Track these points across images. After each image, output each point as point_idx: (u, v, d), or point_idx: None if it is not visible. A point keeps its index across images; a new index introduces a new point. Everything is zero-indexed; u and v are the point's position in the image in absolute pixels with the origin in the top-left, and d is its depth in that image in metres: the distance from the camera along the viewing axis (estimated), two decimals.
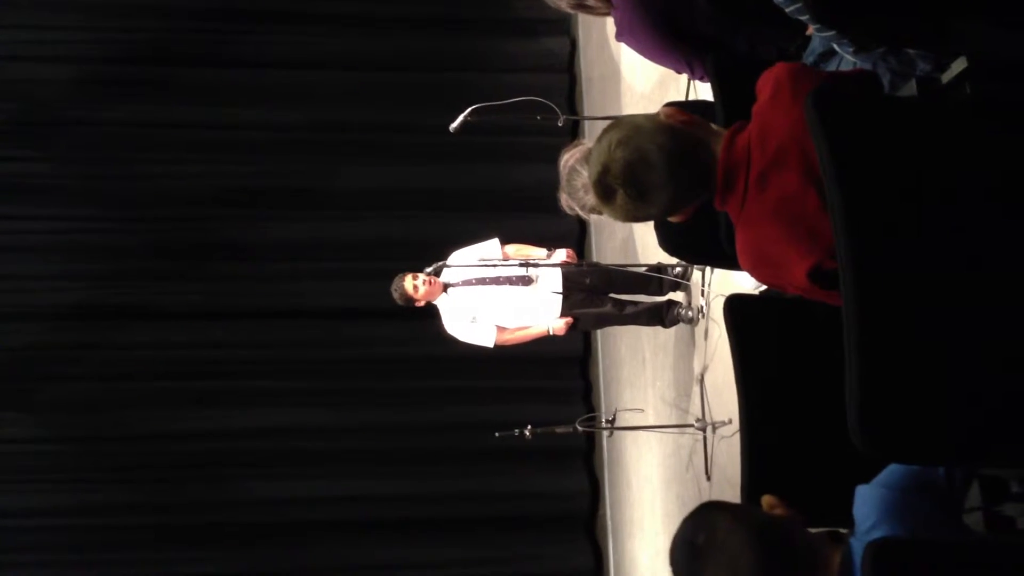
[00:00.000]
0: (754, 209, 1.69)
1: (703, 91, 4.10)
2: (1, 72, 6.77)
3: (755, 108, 1.75)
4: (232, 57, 7.09)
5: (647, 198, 1.72)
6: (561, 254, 5.06)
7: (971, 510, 1.77)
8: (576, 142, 4.00)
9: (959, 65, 1.95)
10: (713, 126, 1.79)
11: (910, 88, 2.07)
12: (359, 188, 7.00)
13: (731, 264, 2.11)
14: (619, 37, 3.00)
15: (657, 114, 1.76)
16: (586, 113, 7.07)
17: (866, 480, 1.68)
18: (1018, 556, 1.53)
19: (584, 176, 3.31)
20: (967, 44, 1.93)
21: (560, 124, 4.47)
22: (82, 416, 6.50)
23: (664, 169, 1.69)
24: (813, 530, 2.11)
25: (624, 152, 1.69)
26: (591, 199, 1.83)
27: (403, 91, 7.14)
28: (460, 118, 4.40)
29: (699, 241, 2.56)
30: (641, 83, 5.86)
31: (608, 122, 1.83)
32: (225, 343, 6.72)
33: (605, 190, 1.72)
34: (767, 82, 1.75)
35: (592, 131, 6.47)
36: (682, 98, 4.60)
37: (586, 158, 3.33)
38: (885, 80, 2.13)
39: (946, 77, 2.00)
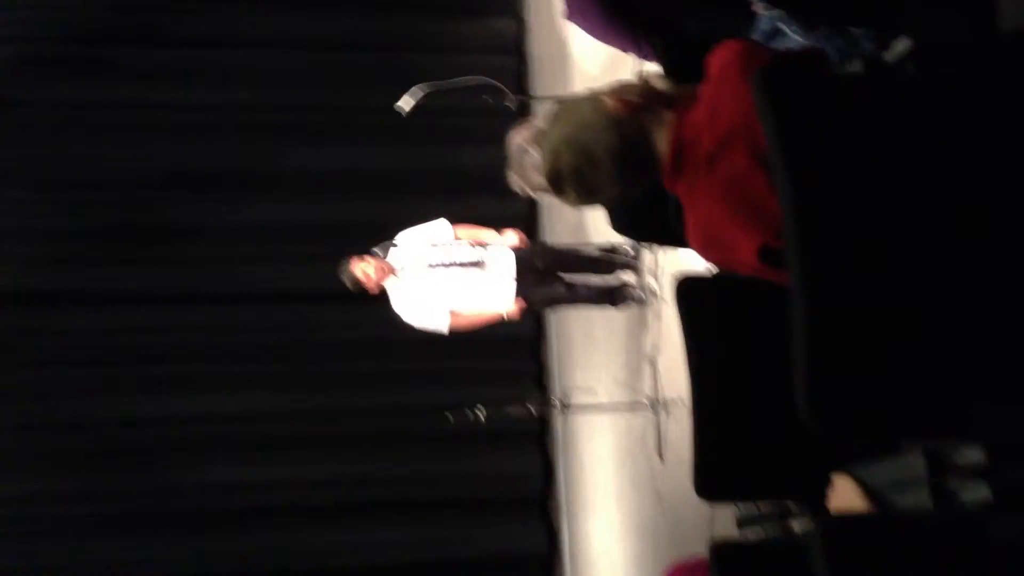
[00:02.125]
0: (703, 189, 1.69)
1: (652, 72, 4.10)
2: None
3: (704, 87, 1.75)
4: (178, 36, 6.96)
5: (596, 193, 1.78)
6: (511, 236, 5.05)
7: (917, 484, 1.80)
8: (525, 121, 3.98)
9: (902, 44, 1.97)
10: (665, 91, 1.77)
11: (855, 68, 2.08)
12: (305, 170, 6.91)
13: (682, 244, 2.11)
14: (568, 17, 2.99)
15: (603, 101, 1.74)
16: (536, 94, 7.05)
17: (815, 457, 1.70)
18: (963, 529, 1.55)
19: (534, 156, 3.29)
20: (911, 24, 1.95)
21: (510, 105, 4.46)
22: (23, 403, 6.36)
23: (611, 168, 1.73)
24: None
25: (570, 154, 1.73)
26: (540, 179, 1.82)
27: (350, 71, 7.06)
28: (412, 100, 4.36)
29: (650, 222, 2.57)
30: (591, 64, 5.85)
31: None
32: (171, 327, 6.61)
33: (556, 186, 1.79)
34: (716, 60, 1.75)
35: (542, 112, 6.45)
36: (632, 79, 4.60)
37: (536, 137, 3.32)
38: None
39: (890, 56, 2.02)
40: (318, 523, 6.52)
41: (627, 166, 1.73)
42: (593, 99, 1.77)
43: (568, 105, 1.80)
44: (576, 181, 1.74)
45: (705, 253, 1.77)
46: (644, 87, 1.76)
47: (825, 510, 1.96)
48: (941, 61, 1.83)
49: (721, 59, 1.74)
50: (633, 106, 1.73)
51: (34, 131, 6.67)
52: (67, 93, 6.72)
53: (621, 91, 1.76)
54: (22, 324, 6.46)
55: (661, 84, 1.78)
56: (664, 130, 1.72)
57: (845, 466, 1.94)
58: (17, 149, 6.64)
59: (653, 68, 2.84)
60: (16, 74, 6.67)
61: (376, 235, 5.01)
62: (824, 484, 1.94)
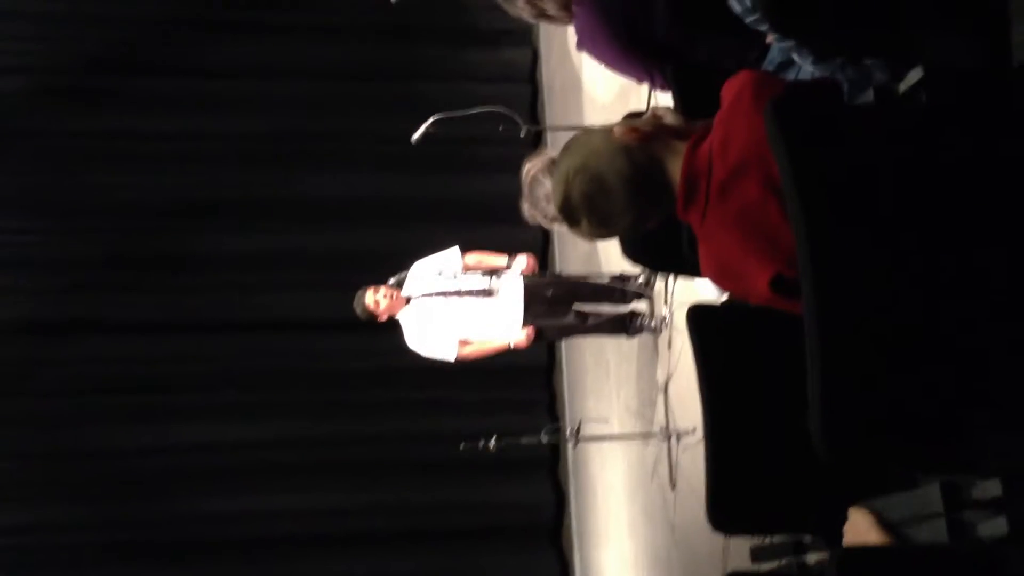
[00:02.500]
0: (715, 219, 1.69)
1: (664, 102, 4.11)
2: None
3: (717, 116, 1.75)
4: (188, 66, 7.01)
5: (609, 223, 1.78)
6: (521, 261, 5.05)
7: (933, 517, 1.78)
8: (539, 151, 3.99)
9: (915, 75, 1.96)
10: (676, 125, 1.78)
11: (867, 98, 2.08)
12: (318, 198, 6.93)
13: (694, 273, 2.11)
14: (580, 46, 3.00)
15: (613, 132, 1.76)
16: (548, 123, 7.08)
17: (831, 490, 1.68)
18: (980, 562, 1.53)
19: (546, 186, 3.30)
20: (924, 53, 1.95)
21: (522, 135, 4.48)
22: (32, 432, 6.36)
23: (623, 196, 1.73)
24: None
25: (582, 183, 1.73)
26: (553, 209, 1.82)
27: (363, 100, 7.10)
28: (422, 128, 4.38)
29: (662, 250, 2.57)
30: (603, 93, 5.88)
31: (570, 133, 1.84)
32: (174, 356, 6.60)
33: (569, 217, 1.78)
34: (730, 90, 1.76)
35: (555, 141, 6.48)
36: (643, 108, 4.61)
37: (548, 168, 3.32)
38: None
39: (902, 87, 2.02)
40: (325, 553, 6.48)
41: (640, 192, 1.73)
42: (604, 130, 1.78)
43: (579, 137, 1.81)
44: (589, 209, 1.74)
45: (719, 282, 1.77)
46: (654, 120, 1.77)
47: (840, 543, 1.94)
48: (952, 87, 1.82)
49: (733, 89, 1.74)
50: (644, 135, 1.74)
51: (36, 161, 6.70)
52: (69, 123, 6.75)
53: (632, 123, 1.76)
54: (23, 354, 6.46)
55: (671, 118, 1.79)
56: (676, 159, 1.73)
57: (861, 499, 1.92)
58: (19, 178, 6.66)
59: (665, 98, 2.85)
60: (20, 105, 6.71)
61: (386, 264, 5.02)
62: (840, 517, 1.92)
